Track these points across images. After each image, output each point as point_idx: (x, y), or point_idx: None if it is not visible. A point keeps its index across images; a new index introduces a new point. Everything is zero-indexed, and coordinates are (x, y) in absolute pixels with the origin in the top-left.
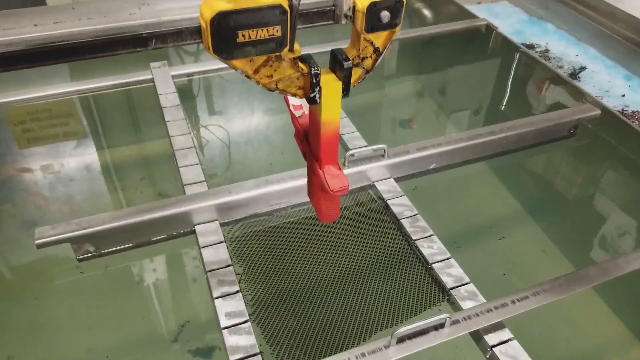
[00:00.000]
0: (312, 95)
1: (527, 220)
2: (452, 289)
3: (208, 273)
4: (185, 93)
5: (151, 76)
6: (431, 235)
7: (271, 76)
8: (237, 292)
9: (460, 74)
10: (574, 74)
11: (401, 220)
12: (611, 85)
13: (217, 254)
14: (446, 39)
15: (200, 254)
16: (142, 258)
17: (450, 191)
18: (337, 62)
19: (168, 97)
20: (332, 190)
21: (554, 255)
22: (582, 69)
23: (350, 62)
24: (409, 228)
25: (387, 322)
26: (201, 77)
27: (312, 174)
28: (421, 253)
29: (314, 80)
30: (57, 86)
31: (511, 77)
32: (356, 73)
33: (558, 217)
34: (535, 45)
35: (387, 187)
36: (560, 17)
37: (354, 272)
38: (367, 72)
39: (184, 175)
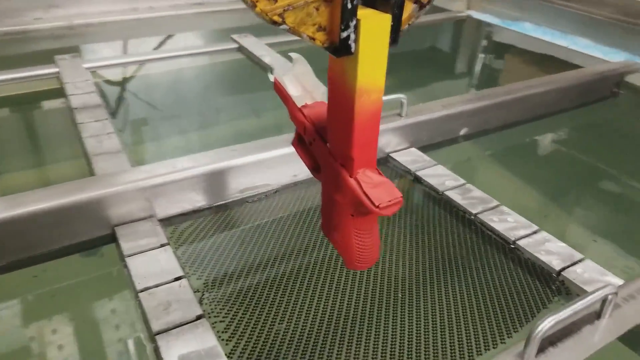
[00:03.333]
0: (343, 35)
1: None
2: (562, 270)
3: (140, 294)
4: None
5: (57, 69)
6: (498, 206)
7: None
8: (198, 318)
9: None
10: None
11: (446, 193)
12: None
13: (156, 263)
14: (430, 29)
15: (126, 267)
16: (25, 286)
17: (497, 161)
18: None
19: (77, 84)
20: (378, 207)
21: None
22: None
23: None
24: (461, 201)
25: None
26: (123, 70)
27: (334, 192)
28: (493, 230)
29: (349, 5)
30: None
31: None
32: (406, 9)
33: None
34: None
35: (411, 157)
36: (538, 14)
37: (391, 281)
38: (422, 7)
39: (93, 154)
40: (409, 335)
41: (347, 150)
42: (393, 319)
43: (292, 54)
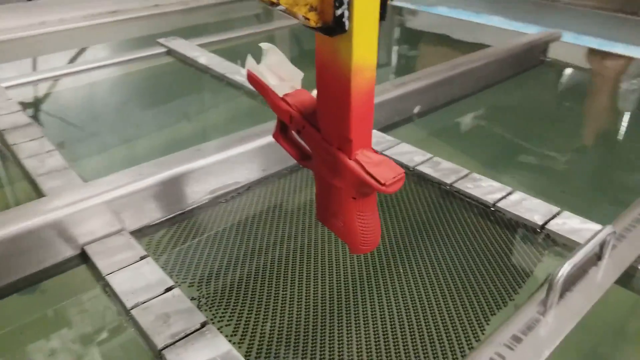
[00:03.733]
0: (338, 13)
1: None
2: (545, 224)
3: (132, 311)
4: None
5: None
6: (469, 173)
7: None
8: (203, 325)
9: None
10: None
11: (417, 168)
12: None
13: (140, 277)
14: None
15: (108, 286)
16: None
17: (453, 133)
18: None
19: (0, 105)
20: (384, 185)
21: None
22: None
23: None
24: (434, 174)
25: (479, 320)
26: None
27: (331, 177)
28: (471, 197)
29: None
30: None
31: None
32: None
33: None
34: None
35: (375, 139)
36: None
37: (389, 257)
38: None
39: (36, 174)
40: (420, 303)
41: (344, 133)
42: (408, 287)
43: (263, 44)
